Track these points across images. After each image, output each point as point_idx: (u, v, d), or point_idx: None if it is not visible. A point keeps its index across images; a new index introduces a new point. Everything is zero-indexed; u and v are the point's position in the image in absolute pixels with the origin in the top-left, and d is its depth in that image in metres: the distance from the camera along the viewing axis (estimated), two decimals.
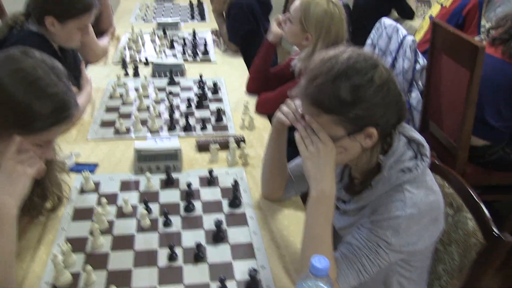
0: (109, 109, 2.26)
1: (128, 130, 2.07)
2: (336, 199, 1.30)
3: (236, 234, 1.48)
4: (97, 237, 1.41)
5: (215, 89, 2.44)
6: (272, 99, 2.22)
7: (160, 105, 2.29)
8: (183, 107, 2.27)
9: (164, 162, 1.77)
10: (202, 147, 1.92)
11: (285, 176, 1.60)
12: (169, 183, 1.71)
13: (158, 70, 2.62)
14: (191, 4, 4.03)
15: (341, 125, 1.20)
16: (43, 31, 2.02)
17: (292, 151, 1.56)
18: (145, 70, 2.69)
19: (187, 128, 2.08)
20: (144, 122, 2.12)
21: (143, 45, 3.08)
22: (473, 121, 2.35)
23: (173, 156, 1.78)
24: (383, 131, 1.23)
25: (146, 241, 1.44)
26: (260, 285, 1.30)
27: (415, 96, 2.99)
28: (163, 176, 1.74)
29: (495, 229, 1.31)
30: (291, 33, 2.12)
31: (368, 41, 3.24)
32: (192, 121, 2.14)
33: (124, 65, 2.70)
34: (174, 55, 2.95)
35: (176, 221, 1.53)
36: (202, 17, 3.79)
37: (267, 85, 2.35)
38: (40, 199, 1.43)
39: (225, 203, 1.62)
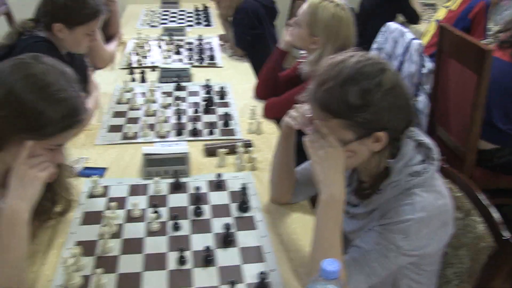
0: (116, 114, 2.27)
1: (136, 135, 2.08)
2: (345, 203, 1.30)
3: (245, 238, 1.48)
4: (106, 240, 1.42)
5: (222, 93, 2.44)
6: (279, 103, 2.22)
7: (167, 110, 2.30)
8: (190, 112, 2.28)
9: (172, 167, 1.77)
10: (210, 152, 1.92)
11: (293, 180, 1.60)
12: (177, 187, 1.72)
13: (165, 75, 2.63)
14: (196, 10, 4.05)
15: (350, 129, 1.21)
16: (51, 37, 2.04)
17: (300, 155, 1.57)
18: (152, 75, 2.70)
19: (195, 132, 2.08)
20: (151, 127, 2.13)
21: (149, 50, 3.10)
22: (481, 125, 2.34)
23: (181, 160, 1.78)
24: (391, 135, 1.24)
25: (156, 245, 1.45)
26: None
27: (422, 100, 2.98)
28: (171, 180, 1.74)
29: (505, 233, 1.30)
30: (298, 37, 2.12)
31: (374, 45, 3.24)
32: (199, 125, 2.15)
33: (131, 70, 2.71)
34: (181, 60, 2.96)
35: (185, 224, 1.53)
36: (208, 22, 3.81)
37: (275, 90, 2.35)
38: (50, 203, 1.44)
39: (233, 207, 1.62)
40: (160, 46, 3.16)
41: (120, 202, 1.62)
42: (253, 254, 1.42)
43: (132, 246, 1.44)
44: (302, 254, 1.42)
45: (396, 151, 1.28)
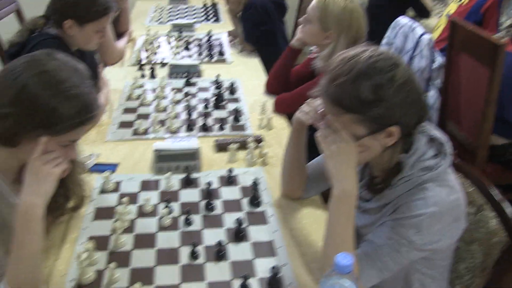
0: (127, 111, 2.28)
1: (146, 131, 2.09)
2: (357, 198, 1.30)
3: (256, 233, 1.49)
4: (118, 235, 1.43)
5: (232, 89, 2.45)
6: (289, 99, 2.22)
7: (177, 105, 2.30)
8: (200, 108, 2.29)
9: (183, 162, 1.78)
10: (221, 147, 1.93)
11: (304, 176, 1.60)
12: (188, 182, 1.72)
13: (175, 71, 2.64)
14: (205, 6, 4.05)
15: (362, 124, 1.21)
16: (61, 34, 2.05)
17: (311, 150, 1.57)
18: (161, 72, 2.70)
19: (205, 128, 2.09)
20: (162, 123, 2.14)
21: (159, 46, 3.11)
22: (493, 120, 2.33)
23: (192, 156, 1.79)
24: (404, 130, 1.23)
25: (168, 240, 1.46)
26: (282, 282, 1.30)
27: (432, 95, 2.96)
28: (182, 176, 1.75)
29: None
30: (310, 34, 2.11)
31: (384, 40, 3.22)
32: (210, 121, 2.15)
33: (140, 66, 2.72)
34: (190, 56, 2.96)
35: (196, 220, 1.54)
36: (216, 18, 3.81)
37: (286, 87, 2.35)
38: (63, 199, 1.45)
39: (245, 202, 1.63)
40: (169, 43, 3.17)
41: (132, 197, 1.63)
42: (265, 249, 1.43)
43: (144, 241, 1.45)
44: (314, 249, 1.43)
45: (408, 146, 1.28)
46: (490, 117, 2.32)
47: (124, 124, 2.15)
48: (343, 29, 2.00)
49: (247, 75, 2.72)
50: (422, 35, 2.88)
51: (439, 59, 2.89)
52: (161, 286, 1.29)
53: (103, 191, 1.68)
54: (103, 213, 1.57)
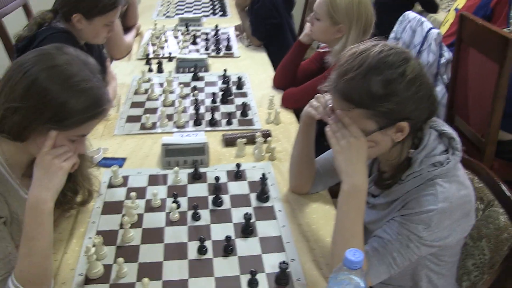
0: (134, 105, 2.28)
1: (154, 125, 2.09)
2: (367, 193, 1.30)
3: (264, 228, 1.49)
4: (127, 230, 1.43)
5: (240, 83, 2.44)
6: (296, 94, 2.22)
7: (185, 100, 2.30)
8: (208, 102, 2.28)
9: (191, 157, 1.78)
10: (229, 142, 1.93)
11: (313, 170, 1.60)
12: (196, 177, 1.72)
13: (182, 65, 2.63)
14: (212, 0, 4.04)
15: (373, 119, 1.20)
16: (70, 28, 2.05)
17: (318, 145, 1.56)
18: (169, 66, 2.70)
19: (213, 122, 2.09)
20: (170, 117, 2.14)
21: (166, 40, 3.10)
22: (501, 115, 2.31)
23: (200, 150, 1.79)
24: (414, 125, 1.23)
25: (176, 234, 1.46)
26: (290, 278, 1.30)
27: (440, 90, 2.95)
28: (190, 170, 1.75)
29: None
30: (321, 31, 2.10)
31: (392, 35, 3.20)
32: (217, 115, 2.15)
33: (148, 61, 2.72)
34: (197, 51, 2.96)
35: (204, 214, 1.54)
36: (223, 12, 3.80)
37: (294, 81, 2.34)
38: (72, 193, 1.45)
39: (253, 197, 1.62)
40: (176, 37, 3.16)
41: (140, 192, 1.63)
42: (273, 244, 1.43)
43: (152, 236, 1.46)
44: (322, 244, 1.43)
45: (418, 141, 1.27)
46: (498, 112, 2.30)
47: (132, 118, 2.15)
48: (353, 20, 2.00)
49: (254, 69, 2.71)
50: (430, 29, 2.86)
51: (447, 54, 2.87)
52: (169, 281, 1.30)
53: (111, 185, 1.69)
54: (111, 208, 1.58)
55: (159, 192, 1.62)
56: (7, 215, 1.24)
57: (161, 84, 2.47)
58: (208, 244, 1.41)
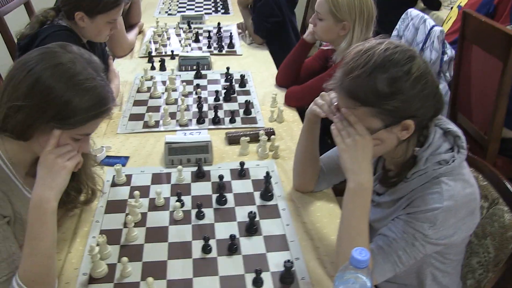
0: (137, 103, 2.27)
1: (157, 124, 2.08)
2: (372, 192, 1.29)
3: (269, 226, 1.48)
4: (131, 229, 1.43)
5: (242, 81, 2.43)
6: (299, 92, 2.21)
7: (188, 98, 2.29)
8: (211, 100, 2.28)
9: (195, 155, 1.78)
10: (232, 140, 1.92)
11: (317, 169, 1.59)
12: (200, 175, 1.72)
13: (185, 63, 2.63)
14: None
15: (378, 117, 1.20)
16: (72, 26, 2.05)
17: (322, 143, 1.56)
18: (171, 64, 2.69)
19: (216, 121, 2.08)
20: (172, 116, 2.13)
21: (168, 38, 3.09)
22: (504, 113, 2.31)
23: (204, 149, 1.78)
24: (419, 123, 1.23)
25: (180, 233, 1.45)
26: (295, 276, 1.30)
27: (443, 88, 2.93)
28: (194, 169, 1.74)
29: None
30: (324, 31, 2.09)
31: (394, 33, 3.19)
32: (220, 113, 2.14)
33: (150, 58, 2.72)
34: (200, 48, 2.95)
35: (208, 213, 1.53)
36: (225, 10, 3.79)
37: (296, 79, 2.33)
38: (75, 193, 1.45)
39: (256, 195, 1.62)
40: (179, 35, 3.16)
41: (143, 190, 1.63)
42: (277, 243, 1.42)
43: (156, 235, 1.45)
44: (327, 243, 1.42)
45: (423, 139, 1.27)
46: (502, 110, 2.30)
47: (135, 117, 2.15)
48: (356, 16, 1.99)
49: (257, 67, 2.70)
50: (433, 27, 2.85)
51: (450, 52, 2.86)
52: (174, 280, 1.29)
53: (114, 184, 1.68)
54: (115, 207, 1.57)
55: (163, 190, 1.61)
56: (11, 215, 1.24)
57: (163, 82, 2.46)
58: (212, 243, 1.40)
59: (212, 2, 3.95)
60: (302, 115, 2.06)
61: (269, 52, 2.96)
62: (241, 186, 1.67)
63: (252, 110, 2.18)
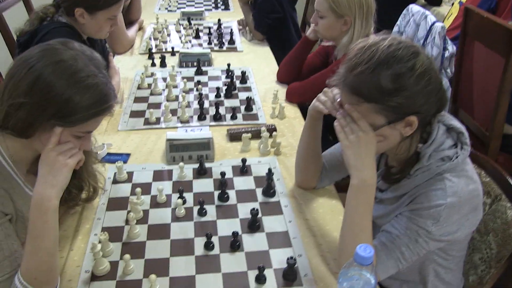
0: (138, 100, 2.27)
1: (158, 121, 2.08)
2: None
3: (271, 223, 1.48)
4: (133, 226, 1.42)
5: (244, 78, 2.43)
6: (300, 88, 2.20)
7: (189, 94, 2.29)
8: (212, 97, 2.27)
9: (196, 152, 1.77)
10: (234, 137, 1.92)
11: (319, 165, 1.59)
12: (201, 172, 1.71)
13: (185, 59, 2.62)
14: None
15: (382, 114, 1.19)
16: (72, 22, 2.03)
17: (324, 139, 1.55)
18: (171, 60, 2.69)
19: (217, 117, 2.07)
20: (173, 112, 2.12)
21: (169, 35, 3.08)
22: (506, 109, 2.30)
23: (205, 145, 1.78)
24: (423, 120, 1.22)
25: (182, 230, 1.45)
26: (298, 273, 1.29)
27: (444, 84, 2.93)
28: (195, 165, 1.74)
29: None
30: (326, 28, 2.08)
31: (395, 29, 3.18)
32: (222, 110, 2.13)
33: (150, 55, 2.71)
34: (200, 45, 2.95)
35: (211, 210, 1.53)
36: (226, 6, 3.78)
37: (298, 76, 2.33)
38: (77, 190, 1.45)
39: (259, 192, 1.61)
40: (179, 31, 3.15)
41: (145, 188, 1.62)
42: (280, 239, 1.42)
43: (158, 232, 1.45)
44: (329, 239, 1.42)
45: (426, 135, 1.26)
46: (503, 106, 2.29)
47: (135, 114, 2.14)
48: (356, 9, 1.99)
49: (258, 63, 2.70)
50: (434, 23, 2.84)
51: (451, 48, 2.85)
52: (176, 277, 1.29)
53: (115, 181, 1.68)
54: (117, 204, 1.57)
55: (165, 188, 1.61)
56: (12, 212, 1.23)
57: (164, 79, 2.46)
58: (214, 239, 1.40)
59: None
60: (303, 112, 2.06)
61: (270, 48, 2.95)
62: (243, 183, 1.66)
63: (254, 106, 2.17)
